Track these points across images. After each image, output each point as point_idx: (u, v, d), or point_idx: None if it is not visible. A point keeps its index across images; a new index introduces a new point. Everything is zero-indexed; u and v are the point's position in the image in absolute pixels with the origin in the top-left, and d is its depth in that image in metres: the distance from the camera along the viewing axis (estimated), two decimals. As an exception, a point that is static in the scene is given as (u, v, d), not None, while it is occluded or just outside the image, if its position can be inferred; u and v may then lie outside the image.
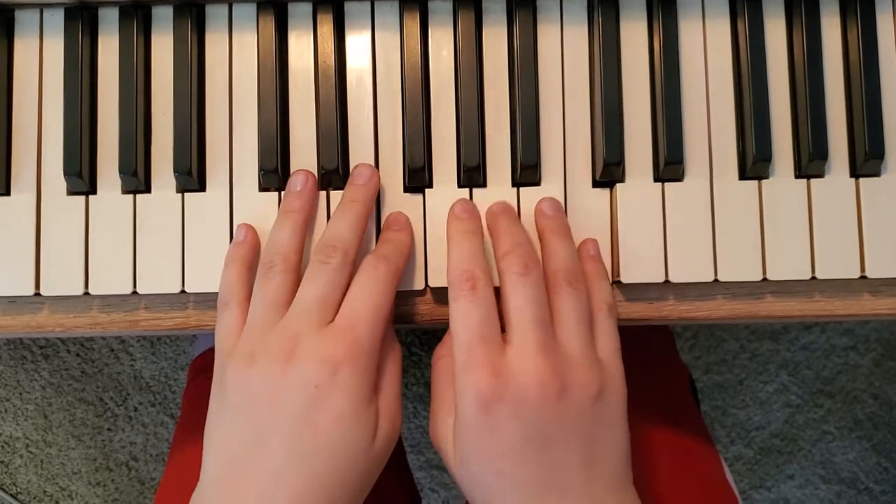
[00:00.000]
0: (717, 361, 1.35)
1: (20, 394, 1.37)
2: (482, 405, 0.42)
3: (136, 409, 1.37)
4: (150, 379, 1.37)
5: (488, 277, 0.45)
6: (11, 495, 1.39)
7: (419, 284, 0.49)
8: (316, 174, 0.49)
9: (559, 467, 0.43)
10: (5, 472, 1.39)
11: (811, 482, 1.36)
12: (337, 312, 0.45)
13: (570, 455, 0.43)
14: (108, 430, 1.37)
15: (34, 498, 1.39)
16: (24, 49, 0.51)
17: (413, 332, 1.35)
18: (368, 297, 0.45)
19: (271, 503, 0.42)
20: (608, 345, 0.46)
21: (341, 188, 0.50)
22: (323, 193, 0.49)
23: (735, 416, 1.35)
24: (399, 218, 0.49)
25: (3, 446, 1.38)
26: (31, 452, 1.38)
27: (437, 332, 1.32)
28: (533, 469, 0.42)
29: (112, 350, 1.36)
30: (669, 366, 0.74)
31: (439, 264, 0.49)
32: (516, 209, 0.49)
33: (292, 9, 0.50)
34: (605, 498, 0.44)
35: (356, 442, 0.44)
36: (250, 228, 0.49)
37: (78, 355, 1.37)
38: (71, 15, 0.50)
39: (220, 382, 0.46)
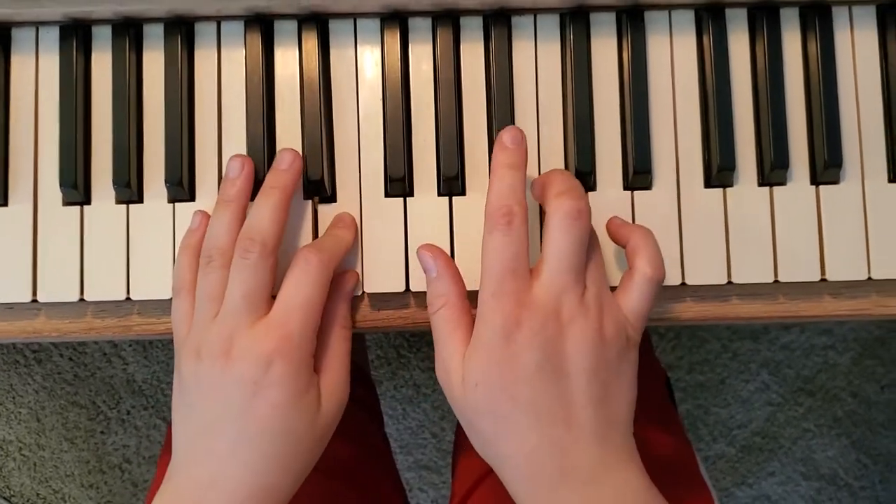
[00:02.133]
0: (699, 361, 1.37)
1: (13, 397, 1.39)
2: (506, 331, 0.44)
3: (128, 413, 1.38)
4: (143, 382, 1.38)
5: (525, 213, 0.46)
6: (5, 498, 1.40)
7: (399, 287, 0.51)
8: (304, 185, 0.52)
9: (568, 401, 0.45)
10: (-1, 475, 1.40)
11: (792, 479, 1.38)
12: (268, 302, 0.48)
13: (579, 390, 0.45)
14: (101, 433, 1.39)
15: (27, 501, 1.40)
16: (21, 65, 0.53)
17: (401, 334, 1.37)
18: (299, 292, 0.47)
19: (229, 472, 0.46)
20: (637, 307, 0.47)
21: (328, 199, 0.52)
22: (308, 203, 0.52)
23: (717, 415, 1.37)
24: (344, 217, 0.51)
25: (-4, 450, 1.40)
26: (24, 455, 1.39)
27: (424, 335, 1.34)
28: (544, 398, 0.44)
29: (105, 354, 1.38)
30: (646, 366, 0.76)
31: (420, 269, 0.51)
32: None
33: (278, 25, 0.53)
34: (608, 436, 0.45)
35: (298, 424, 0.47)
36: (205, 215, 0.51)
37: (71, 359, 1.38)
38: (66, 32, 0.52)
39: (177, 368, 0.49)
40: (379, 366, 1.37)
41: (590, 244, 0.47)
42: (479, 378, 0.46)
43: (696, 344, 1.36)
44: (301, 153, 0.51)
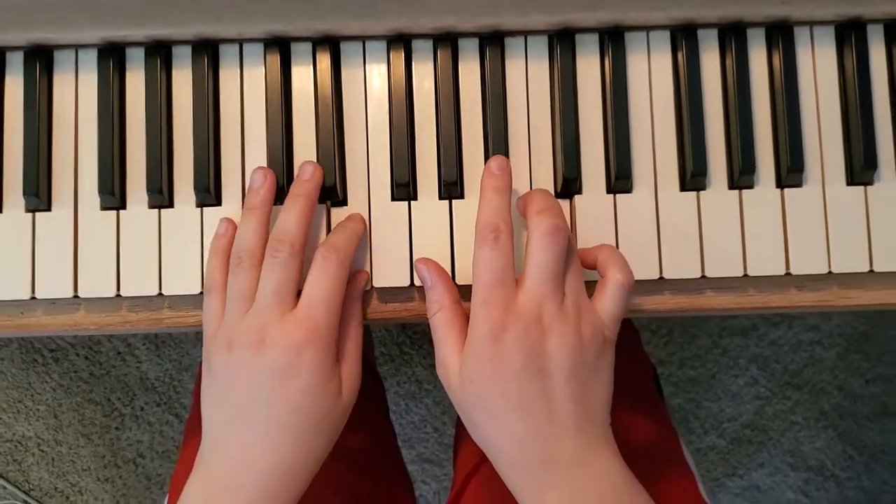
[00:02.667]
0: (690, 357, 1.39)
1: (32, 395, 1.41)
2: (494, 335, 0.49)
3: (142, 409, 1.41)
4: (156, 380, 1.41)
5: (510, 230, 0.51)
6: (24, 492, 1.42)
7: (405, 282, 0.56)
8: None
9: (550, 397, 0.49)
10: (18, 470, 1.42)
11: (780, 470, 1.40)
12: (295, 297, 0.52)
13: (560, 388, 0.49)
14: (116, 429, 1.41)
15: (46, 494, 1.43)
16: (62, 83, 0.58)
17: (404, 332, 1.39)
18: (321, 288, 0.52)
19: (259, 456, 0.51)
20: (611, 310, 0.52)
21: (339, 203, 0.57)
22: (322, 207, 0.56)
23: (708, 409, 1.40)
24: (354, 215, 0.56)
25: (15, 445, 1.42)
26: (42, 451, 1.42)
27: (426, 333, 1.36)
28: (529, 395, 0.49)
29: (119, 353, 1.40)
30: (633, 358, 0.81)
31: (423, 266, 0.56)
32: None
33: (295, 47, 0.58)
34: (588, 428, 0.50)
35: (323, 406, 0.52)
36: (230, 222, 0.56)
37: (86, 358, 1.41)
38: (102, 54, 0.57)
39: (207, 361, 0.54)
40: (383, 362, 1.40)
41: (568, 255, 0.51)
42: (473, 375, 0.50)
43: (687, 340, 1.39)
44: (318, 162, 0.56)
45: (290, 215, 0.53)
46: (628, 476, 0.51)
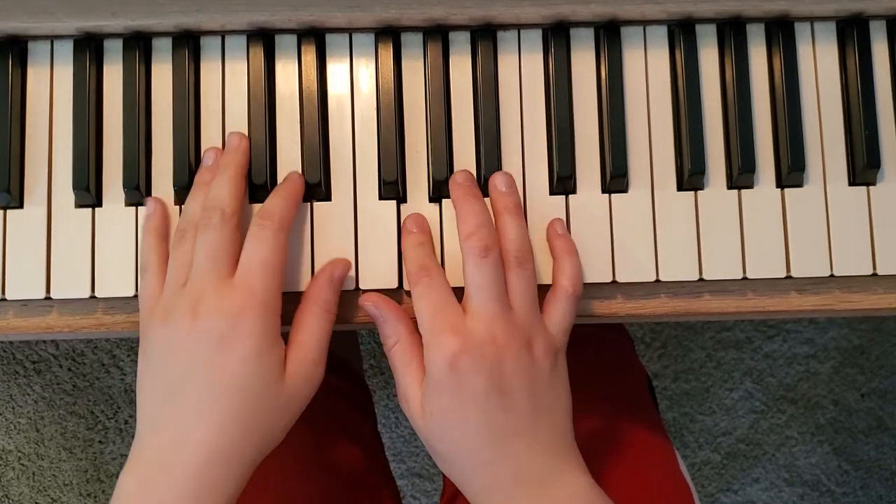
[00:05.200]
0: (684, 370, 1.39)
1: (13, 408, 1.39)
2: (449, 362, 0.48)
3: (126, 422, 1.39)
4: (140, 392, 1.39)
5: (440, 268, 0.52)
6: None
7: (392, 284, 0.54)
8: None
9: (514, 416, 0.49)
10: (-2, 485, 1.41)
11: (775, 485, 1.39)
12: (233, 264, 0.51)
13: (522, 405, 0.49)
14: (100, 442, 1.39)
15: None
16: (36, 76, 0.56)
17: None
18: (258, 253, 0.50)
19: (192, 433, 0.48)
20: (560, 323, 0.52)
21: (324, 200, 0.55)
22: (306, 205, 0.55)
23: (702, 423, 1.39)
24: (291, 175, 0.55)
25: (-5, 459, 1.40)
26: (23, 465, 1.40)
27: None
28: (493, 415, 0.49)
29: (103, 365, 1.39)
30: (627, 366, 0.79)
31: (411, 267, 0.54)
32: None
33: (279, 39, 0.56)
34: (553, 441, 0.50)
35: (262, 379, 0.49)
36: (158, 201, 0.55)
37: (69, 370, 1.39)
38: (79, 45, 0.55)
39: (143, 340, 0.52)
40: (372, 375, 1.38)
41: (512, 270, 0.51)
42: (433, 407, 0.50)
43: (681, 353, 1.38)
44: (301, 159, 0.55)
45: (220, 183, 0.52)
46: (596, 491, 0.51)
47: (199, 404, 0.49)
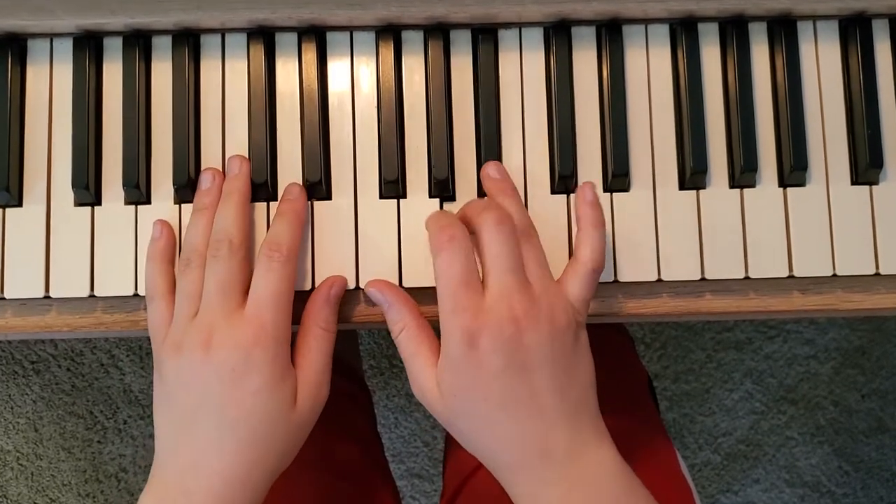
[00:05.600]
0: (684, 371, 1.38)
1: (11, 408, 1.39)
2: (469, 342, 0.48)
3: (125, 423, 1.39)
4: (140, 392, 1.39)
5: (465, 232, 0.50)
6: None
7: (393, 282, 0.54)
8: (302, 185, 0.54)
9: (536, 391, 0.48)
10: (-4, 485, 1.41)
11: (776, 486, 1.39)
12: (243, 295, 0.51)
13: (545, 379, 0.48)
14: (98, 442, 1.39)
15: None
16: (36, 74, 0.56)
17: (393, 344, 1.36)
18: (267, 286, 0.50)
19: (209, 461, 0.49)
20: (579, 294, 0.51)
21: (325, 198, 0.55)
22: (309, 204, 0.54)
23: (702, 423, 1.39)
24: (292, 189, 0.54)
25: (-6, 459, 1.40)
26: (21, 465, 1.40)
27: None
28: (514, 393, 0.48)
29: (102, 365, 1.39)
30: (628, 366, 0.79)
31: (413, 265, 0.54)
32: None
33: (279, 38, 0.56)
34: (578, 417, 0.50)
35: (275, 409, 0.50)
36: (165, 224, 0.54)
37: (68, 370, 1.39)
38: (79, 43, 0.55)
39: (158, 368, 0.52)
40: (371, 375, 1.38)
41: (524, 242, 0.50)
42: (454, 387, 0.49)
43: (681, 354, 1.38)
44: (302, 158, 0.54)
45: (225, 212, 0.52)
46: (625, 467, 0.51)
47: (215, 434, 0.49)
